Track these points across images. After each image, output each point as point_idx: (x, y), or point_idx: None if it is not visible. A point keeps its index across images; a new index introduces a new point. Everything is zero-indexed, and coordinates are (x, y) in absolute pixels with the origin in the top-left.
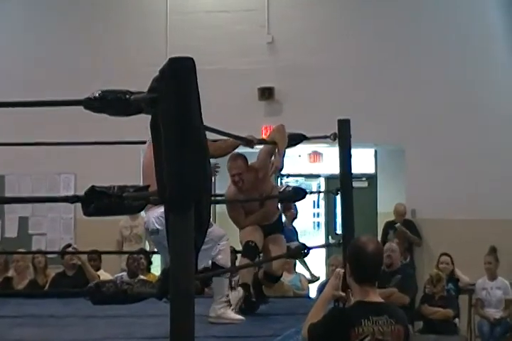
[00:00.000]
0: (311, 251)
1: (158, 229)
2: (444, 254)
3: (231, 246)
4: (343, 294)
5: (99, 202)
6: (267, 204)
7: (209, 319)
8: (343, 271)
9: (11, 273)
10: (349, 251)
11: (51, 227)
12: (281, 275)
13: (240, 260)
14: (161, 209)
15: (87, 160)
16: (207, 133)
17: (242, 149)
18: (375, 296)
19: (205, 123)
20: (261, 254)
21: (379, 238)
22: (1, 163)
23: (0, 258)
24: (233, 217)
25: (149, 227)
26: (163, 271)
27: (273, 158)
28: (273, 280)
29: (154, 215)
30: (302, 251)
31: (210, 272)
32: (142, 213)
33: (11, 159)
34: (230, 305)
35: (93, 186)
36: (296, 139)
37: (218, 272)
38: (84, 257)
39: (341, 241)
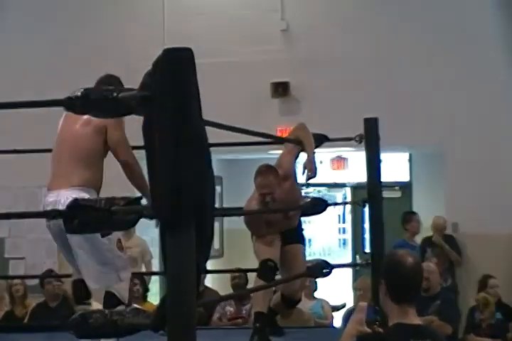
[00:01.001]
0: (334, 270)
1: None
2: (490, 277)
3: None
4: (369, 330)
5: (83, 217)
6: (293, 215)
7: None
8: (366, 304)
9: None
10: (385, 267)
11: (31, 250)
12: (300, 299)
13: (254, 282)
14: (78, 191)
15: None
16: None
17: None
18: (415, 318)
19: (206, 126)
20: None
21: None
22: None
23: None
24: (251, 225)
25: (58, 207)
26: (162, 299)
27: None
28: (291, 305)
29: (72, 196)
30: (323, 269)
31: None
32: (136, 232)
33: None
34: None
35: (76, 199)
36: (316, 141)
37: (222, 298)
38: (69, 287)
39: (370, 260)
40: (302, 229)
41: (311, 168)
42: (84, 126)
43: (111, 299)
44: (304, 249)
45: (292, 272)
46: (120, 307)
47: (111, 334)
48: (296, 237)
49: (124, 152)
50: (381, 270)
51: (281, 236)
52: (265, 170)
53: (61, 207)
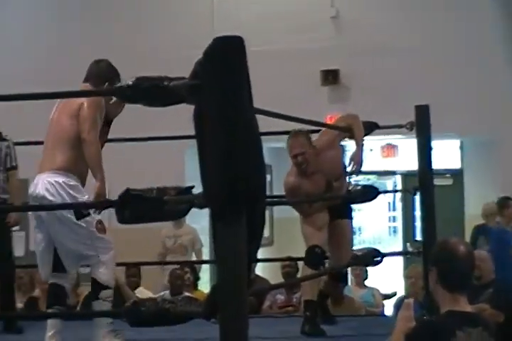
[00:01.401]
0: (385, 259)
1: (46, 197)
2: None
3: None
4: None
5: (135, 207)
6: (336, 188)
7: None
8: (412, 300)
9: (36, 292)
10: (437, 255)
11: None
12: (347, 274)
13: (302, 269)
14: (55, 175)
15: (124, 160)
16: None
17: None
18: (467, 305)
19: (256, 114)
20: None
21: None
22: (25, 165)
23: (24, 276)
24: (295, 208)
25: (36, 193)
26: (213, 287)
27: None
28: (340, 280)
29: (47, 180)
30: (374, 257)
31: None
32: (187, 220)
33: (36, 161)
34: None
35: (128, 189)
36: (366, 128)
37: (273, 287)
38: (121, 274)
39: (421, 249)
40: (350, 203)
41: (357, 161)
42: (64, 112)
43: (94, 285)
44: (351, 224)
45: (339, 249)
46: (105, 292)
47: (163, 322)
48: (342, 212)
49: (86, 129)
50: (431, 257)
51: (329, 212)
52: (295, 133)
53: (38, 190)
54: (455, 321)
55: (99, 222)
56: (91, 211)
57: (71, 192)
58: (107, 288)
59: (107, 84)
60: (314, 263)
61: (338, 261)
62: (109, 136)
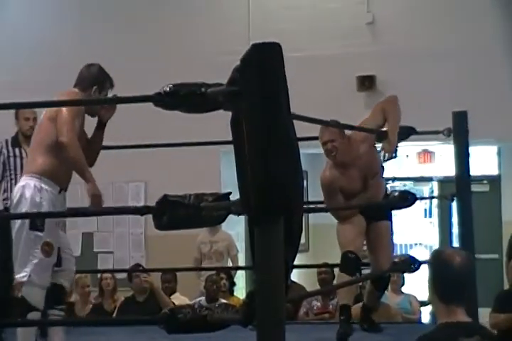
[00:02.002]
0: (422, 266)
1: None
2: None
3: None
4: None
5: (173, 213)
6: (373, 186)
7: None
8: None
9: (74, 297)
10: (432, 266)
11: (119, 244)
12: (389, 278)
13: (337, 276)
14: (29, 179)
15: (159, 166)
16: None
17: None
18: (464, 316)
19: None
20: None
21: (503, 252)
22: None
23: None
24: (331, 205)
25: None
26: (249, 294)
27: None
28: (383, 286)
29: (20, 180)
30: (411, 264)
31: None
32: (222, 226)
33: None
34: None
35: (166, 195)
36: (403, 133)
37: (310, 294)
38: (157, 279)
39: None
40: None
41: (390, 144)
42: (46, 115)
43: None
44: (391, 226)
45: (377, 254)
46: (33, 315)
47: (200, 329)
48: (380, 213)
49: (63, 133)
50: (428, 268)
51: (367, 213)
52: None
53: (13, 196)
54: (450, 333)
55: (46, 243)
56: (47, 227)
57: (33, 194)
58: (35, 310)
59: (95, 88)
60: (349, 269)
61: (377, 266)
62: (147, 142)
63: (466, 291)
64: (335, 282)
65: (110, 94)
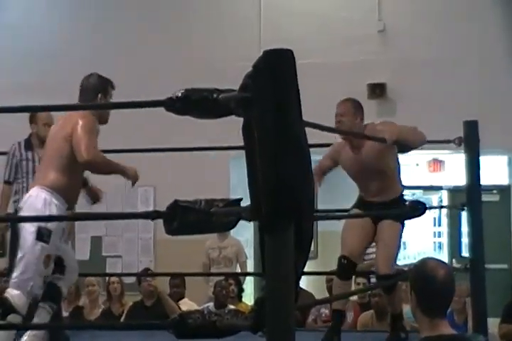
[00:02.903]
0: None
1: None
2: None
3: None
4: None
5: (183, 218)
6: (380, 190)
7: None
8: None
9: (82, 301)
10: (414, 278)
11: (128, 248)
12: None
13: (334, 280)
14: (38, 191)
15: (168, 170)
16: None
17: None
18: (447, 328)
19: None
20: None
21: None
22: None
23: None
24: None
25: (19, 206)
26: (258, 300)
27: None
28: (388, 288)
29: (29, 192)
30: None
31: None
32: (231, 232)
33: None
34: None
35: (176, 200)
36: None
37: (319, 301)
38: (166, 284)
39: (468, 265)
40: (401, 203)
41: (389, 137)
42: (60, 132)
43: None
44: (398, 227)
45: (377, 253)
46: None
47: (209, 335)
48: (389, 213)
49: (82, 151)
50: (410, 280)
51: (376, 208)
52: (345, 99)
53: (21, 204)
54: None
55: (47, 255)
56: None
57: (42, 207)
58: (15, 313)
59: (100, 95)
60: (341, 274)
61: (375, 266)
62: (157, 146)
63: (448, 304)
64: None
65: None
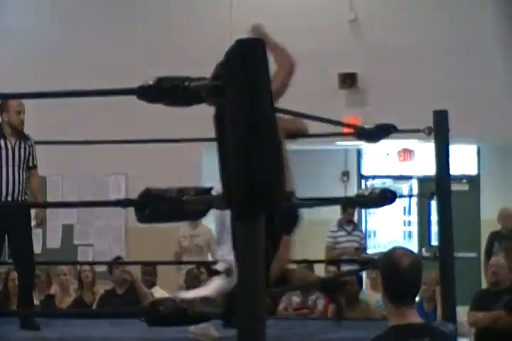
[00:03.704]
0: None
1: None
2: None
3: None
4: None
5: (155, 206)
6: None
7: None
8: None
9: (53, 290)
10: (382, 266)
11: (99, 237)
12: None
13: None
14: None
15: (140, 158)
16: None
17: None
18: (414, 317)
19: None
20: None
21: (482, 250)
22: (42, 162)
23: (41, 274)
24: None
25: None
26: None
27: None
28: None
29: None
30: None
31: None
32: (203, 221)
33: (54, 158)
34: None
35: (148, 188)
36: (384, 130)
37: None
38: (137, 272)
39: (437, 254)
40: None
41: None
42: None
43: None
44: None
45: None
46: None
47: (181, 322)
48: None
49: None
50: (379, 269)
51: None
52: None
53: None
54: (400, 335)
55: None
56: None
57: None
58: None
59: None
60: None
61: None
62: (132, 138)
63: (416, 293)
64: None
65: None
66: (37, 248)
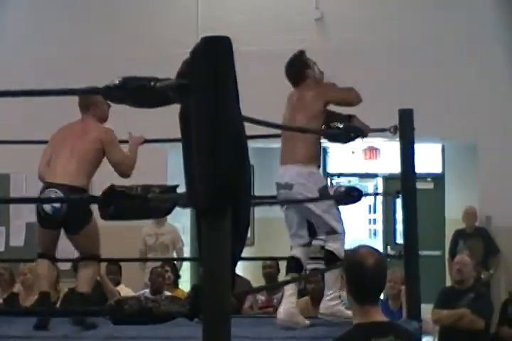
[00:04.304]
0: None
1: (292, 184)
2: None
3: None
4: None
5: (119, 203)
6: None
7: (320, 315)
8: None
9: (17, 288)
10: (346, 265)
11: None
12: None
13: None
14: (300, 168)
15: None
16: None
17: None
18: (378, 315)
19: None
20: None
21: (446, 249)
22: (7, 159)
23: (5, 272)
24: None
25: (283, 181)
26: (194, 287)
27: None
28: None
29: (292, 172)
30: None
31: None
32: (168, 219)
33: (18, 155)
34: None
35: (112, 185)
36: (352, 131)
37: (256, 289)
38: (102, 270)
39: (402, 252)
40: None
41: None
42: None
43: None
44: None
45: None
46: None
47: (146, 321)
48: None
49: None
50: (343, 267)
51: None
52: None
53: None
54: (364, 333)
55: None
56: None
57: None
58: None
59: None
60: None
61: None
62: None
63: (380, 291)
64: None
65: None
66: (0, 246)
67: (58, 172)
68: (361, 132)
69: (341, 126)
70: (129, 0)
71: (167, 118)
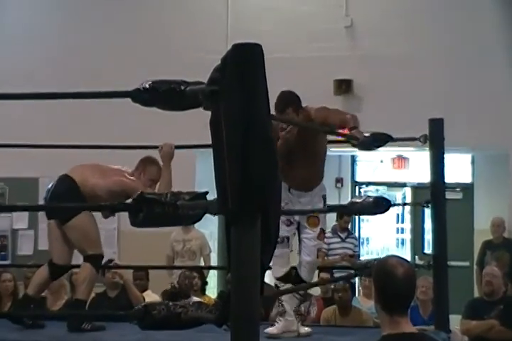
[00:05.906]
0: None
1: None
2: None
3: None
4: None
5: (149, 210)
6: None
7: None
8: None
9: (45, 292)
10: (375, 275)
11: None
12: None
13: None
14: None
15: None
16: None
17: None
18: (408, 326)
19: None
20: None
21: (475, 260)
22: (35, 163)
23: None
24: None
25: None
26: (221, 294)
27: None
28: None
29: None
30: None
31: None
32: (196, 225)
33: (46, 159)
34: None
35: (142, 192)
36: (379, 140)
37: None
38: (129, 276)
39: (431, 262)
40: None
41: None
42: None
43: None
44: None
45: None
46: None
47: (174, 327)
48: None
49: None
50: (372, 277)
51: None
52: None
53: None
54: None
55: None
56: None
57: None
58: None
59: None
60: None
61: None
62: (123, 143)
63: (410, 302)
64: None
65: None
66: (29, 249)
67: None
68: (389, 137)
69: (368, 134)
70: (159, 5)
71: (196, 124)
